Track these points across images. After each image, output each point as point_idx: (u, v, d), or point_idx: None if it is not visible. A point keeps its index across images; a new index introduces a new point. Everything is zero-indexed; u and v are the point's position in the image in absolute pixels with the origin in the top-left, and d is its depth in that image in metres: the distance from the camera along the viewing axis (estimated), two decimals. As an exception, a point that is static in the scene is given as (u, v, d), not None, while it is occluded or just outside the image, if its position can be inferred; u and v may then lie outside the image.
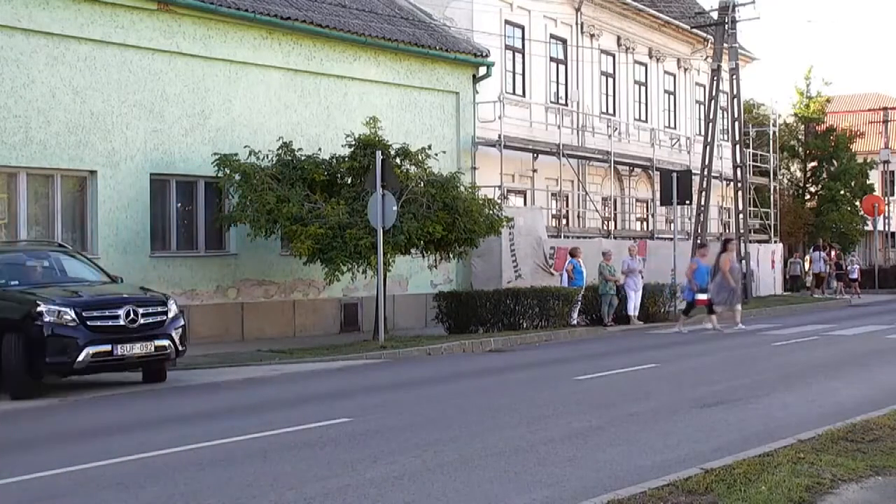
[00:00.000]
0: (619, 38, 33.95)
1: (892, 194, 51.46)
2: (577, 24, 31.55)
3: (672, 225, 33.52)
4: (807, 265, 40.87)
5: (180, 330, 13.61)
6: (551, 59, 30.59)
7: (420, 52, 23.57)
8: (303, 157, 18.97)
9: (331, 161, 19.27)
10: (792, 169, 48.00)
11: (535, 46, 29.44)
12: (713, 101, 30.91)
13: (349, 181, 19.22)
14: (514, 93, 28.75)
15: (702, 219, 30.30)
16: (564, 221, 30.77)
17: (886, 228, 49.17)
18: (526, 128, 28.43)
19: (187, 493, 7.26)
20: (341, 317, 22.26)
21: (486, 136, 25.93)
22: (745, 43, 40.92)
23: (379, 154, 17.88)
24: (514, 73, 28.99)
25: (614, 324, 22.98)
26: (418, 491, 7.17)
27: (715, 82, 30.68)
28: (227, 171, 18.55)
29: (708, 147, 30.73)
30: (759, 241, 36.67)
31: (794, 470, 7.19)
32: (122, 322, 12.86)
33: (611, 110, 33.65)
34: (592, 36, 32.28)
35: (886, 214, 47.20)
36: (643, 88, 35.71)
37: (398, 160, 19.37)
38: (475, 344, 18.80)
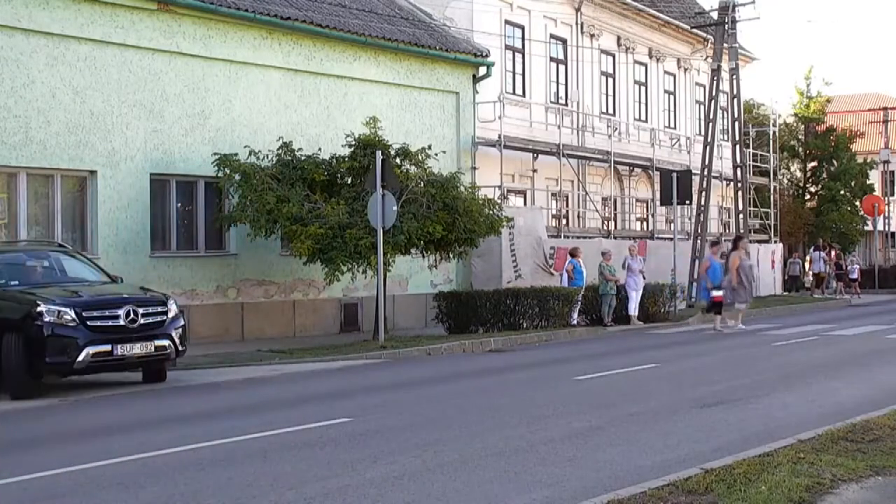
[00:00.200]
0: (619, 38, 33.95)
1: (892, 194, 51.45)
2: (577, 24, 31.55)
3: (672, 225, 33.53)
4: (807, 265, 40.87)
5: (180, 330, 13.61)
6: (551, 59, 30.59)
7: (420, 52, 23.57)
8: (303, 157, 18.97)
9: (331, 161, 19.27)
10: (792, 169, 48.00)
11: (535, 46, 29.44)
12: (713, 101, 30.91)
13: (349, 181, 19.22)
14: (514, 93, 28.74)
15: (702, 219, 30.31)
16: (564, 221, 30.77)
17: (886, 228, 49.17)
18: (526, 128, 28.43)
19: (187, 493, 7.26)
20: (341, 317, 22.26)
21: (486, 136, 25.93)
22: (745, 43, 40.94)
23: (379, 154, 17.88)
24: (514, 73, 28.99)
25: (614, 324, 22.98)
26: (418, 491, 7.17)
27: (715, 82, 30.68)
28: (227, 171, 18.56)
29: (708, 147, 30.73)
30: (759, 241, 36.65)
31: (794, 470, 7.19)
32: (122, 322, 12.86)
33: (611, 110, 33.65)
34: (592, 36, 32.28)
35: (886, 214, 47.20)
36: (643, 88, 35.71)
37: (398, 160, 19.37)
38: (475, 344, 18.80)
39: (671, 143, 36.21)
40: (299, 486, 7.33)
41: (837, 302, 34.67)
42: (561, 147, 28.47)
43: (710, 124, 31.01)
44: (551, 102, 30.28)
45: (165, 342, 13.27)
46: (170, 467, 8.16)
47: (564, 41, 31.21)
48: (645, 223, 35.54)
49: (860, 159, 46.33)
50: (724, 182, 36.47)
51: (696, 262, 29.97)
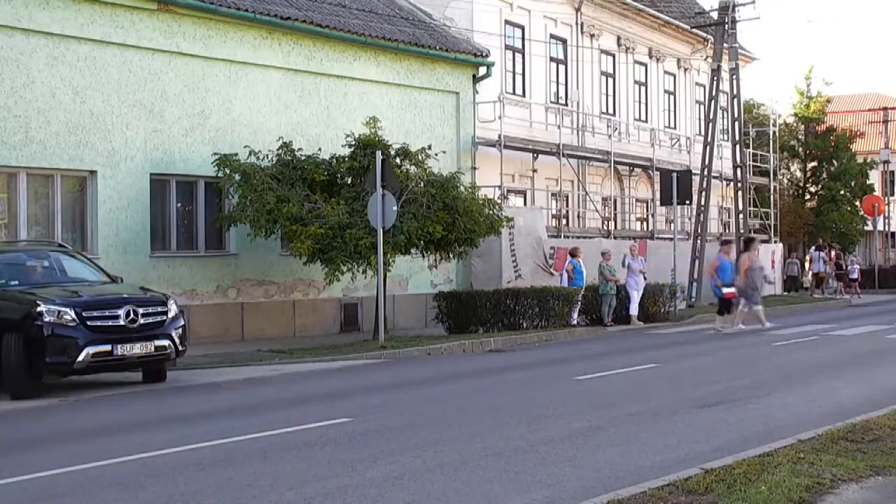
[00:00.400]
0: (619, 38, 33.95)
1: (892, 194, 51.45)
2: (577, 24, 31.55)
3: (672, 225, 33.54)
4: (806, 265, 40.86)
5: (180, 330, 13.61)
6: (551, 59, 30.59)
7: (420, 52, 23.57)
8: (303, 157, 18.97)
9: (331, 161, 19.27)
10: (792, 169, 48.01)
11: (535, 46, 29.44)
12: (713, 101, 30.92)
13: (349, 181, 19.22)
14: (514, 93, 28.75)
15: (702, 219, 30.31)
16: (564, 221, 30.77)
17: (886, 228, 49.17)
18: (526, 128, 28.43)
19: (187, 493, 7.26)
20: (341, 317, 22.26)
21: (486, 136, 25.93)
22: (745, 43, 40.93)
23: (379, 154, 17.87)
24: (514, 73, 28.99)
25: (614, 324, 22.98)
26: (418, 491, 7.17)
27: (715, 82, 30.68)
28: (227, 171, 18.56)
29: (708, 147, 30.74)
30: (759, 241, 36.61)
31: (794, 470, 7.19)
32: (122, 322, 12.86)
33: (611, 110, 33.65)
34: (592, 36, 32.28)
35: (886, 214, 47.21)
36: (643, 88, 35.71)
37: (398, 160, 19.37)
38: (475, 344, 18.80)
39: (671, 143, 36.21)
40: (299, 486, 7.33)
41: (837, 302, 34.67)
42: (561, 147, 28.47)
43: (710, 124, 31.01)
44: (551, 102, 30.28)
45: (165, 342, 13.27)
46: (170, 467, 8.16)
47: (564, 41, 31.21)
48: (645, 223, 35.54)
49: (860, 159, 46.34)
50: (724, 182, 36.47)
51: (697, 261, 30.02)
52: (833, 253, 39.53)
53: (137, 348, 13.01)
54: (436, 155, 19.80)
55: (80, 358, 12.55)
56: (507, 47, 28.59)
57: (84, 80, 17.75)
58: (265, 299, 20.63)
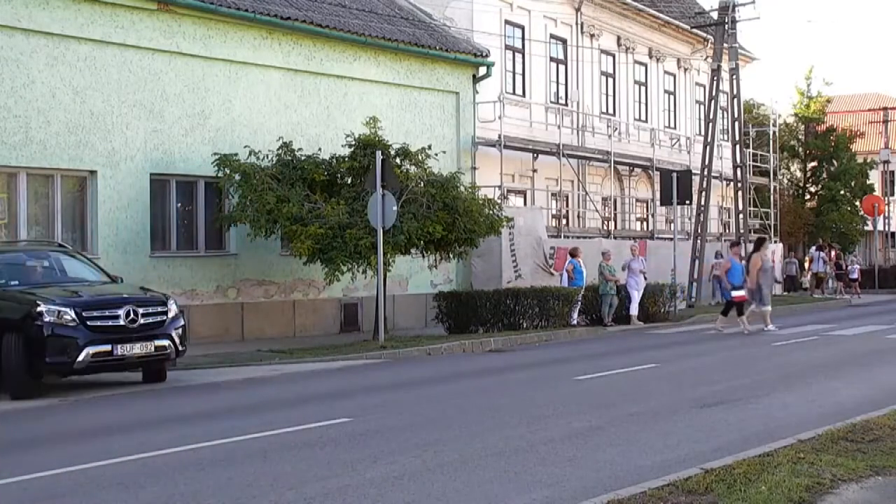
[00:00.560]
0: (619, 38, 33.95)
1: (892, 194, 51.45)
2: (577, 24, 31.55)
3: (672, 225, 33.54)
4: (806, 264, 40.86)
5: (180, 330, 13.60)
6: (551, 59, 30.59)
7: (420, 52, 23.57)
8: (303, 157, 18.97)
9: (331, 161, 19.27)
10: (792, 169, 48.02)
11: (535, 46, 29.44)
12: (713, 101, 30.92)
13: (349, 181, 19.21)
14: (514, 93, 28.75)
15: (702, 219, 30.31)
16: (564, 221, 30.77)
17: (886, 228, 49.18)
18: (526, 128, 28.43)
19: (187, 493, 7.26)
20: (341, 317, 22.26)
21: (486, 136, 25.93)
22: (745, 43, 40.93)
23: (379, 154, 17.87)
24: (514, 73, 28.99)
25: (614, 324, 22.97)
26: (418, 491, 7.17)
27: (715, 82, 30.69)
28: (227, 171, 18.56)
29: (708, 147, 30.74)
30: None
31: (794, 470, 7.19)
32: (122, 322, 12.86)
33: (611, 110, 33.65)
34: (592, 36, 32.28)
35: (886, 214, 47.21)
36: (643, 88, 35.71)
37: (398, 160, 19.37)
38: (475, 344, 18.80)
39: (671, 143, 36.21)
40: (299, 486, 7.33)
41: (837, 302, 34.67)
42: (561, 147, 28.46)
43: (710, 124, 31.02)
44: (551, 102, 30.28)
45: (165, 342, 13.27)
46: (170, 467, 8.16)
47: (564, 41, 31.21)
48: (645, 223, 35.54)
49: (860, 159, 46.36)
50: (724, 182, 36.47)
51: (697, 261, 30.03)
52: (833, 253, 39.54)
53: (137, 348, 13.00)
54: (436, 155, 19.80)
55: (80, 358, 12.55)
56: (507, 47, 28.59)
57: (84, 80, 17.75)
58: (265, 299, 20.63)
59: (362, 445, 8.90)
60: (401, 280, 22.94)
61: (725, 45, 31.00)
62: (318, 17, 21.55)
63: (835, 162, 45.37)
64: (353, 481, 7.48)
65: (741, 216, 31.97)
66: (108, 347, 12.73)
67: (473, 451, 8.54)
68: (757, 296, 21.53)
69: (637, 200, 35.09)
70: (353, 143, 19.06)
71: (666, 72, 37.07)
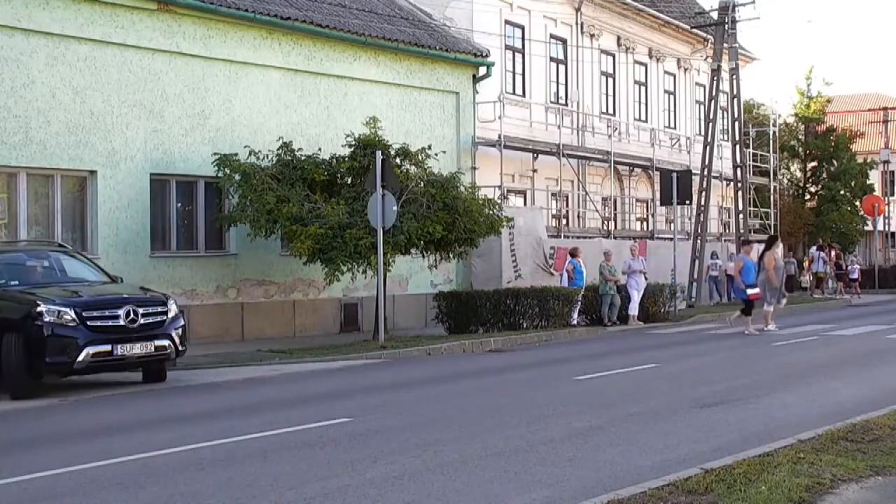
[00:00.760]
0: (619, 38, 33.95)
1: (892, 194, 51.46)
2: (577, 24, 31.55)
3: (672, 225, 33.54)
4: (805, 264, 40.85)
5: (180, 330, 13.60)
6: (551, 59, 30.59)
7: (420, 52, 23.57)
8: (303, 157, 18.97)
9: (331, 161, 19.27)
10: (792, 169, 48.01)
11: (535, 46, 29.44)
12: (713, 101, 30.92)
13: (349, 181, 19.22)
14: (514, 93, 28.74)
15: (702, 219, 30.32)
16: (564, 221, 30.77)
17: (886, 228, 49.18)
18: (526, 128, 28.43)
19: (187, 493, 7.26)
20: (341, 317, 22.26)
21: (486, 136, 25.93)
22: (745, 43, 40.95)
23: (379, 154, 17.87)
24: (514, 73, 28.99)
25: (614, 324, 22.97)
26: (418, 491, 7.17)
27: (715, 82, 30.69)
28: (227, 171, 18.56)
29: (708, 147, 30.75)
30: (760, 241, 36.59)
31: (794, 470, 7.18)
32: (122, 322, 12.86)
33: (611, 110, 33.65)
34: (592, 36, 32.28)
35: (886, 214, 47.21)
36: (643, 88, 35.71)
37: (398, 160, 19.37)
38: (475, 344, 18.80)
39: (671, 143, 36.21)
40: (299, 486, 7.33)
41: (837, 302, 34.66)
42: (561, 147, 28.47)
43: (710, 124, 31.02)
44: (551, 102, 30.28)
45: (165, 342, 13.27)
46: (170, 467, 8.16)
47: (564, 41, 31.21)
48: (645, 223, 35.54)
49: (860, 159, 46.35)
50: (724, 182, 36.47)
51: (697, 261, 30.05)
52: (833, 253, 39.54)
53: (137, 348, 13.00)
54: (436, 155, 19.80)
55: (80, 358, 12.55)
56: (507, 47, 28.59)
57: (84, 80, 17.75)
58: (265, 299, 20.63)
59: (362, 445, 8.90)
60: (401, 280, 22.94)
61: (725, 45, 31.01)
62: (318, 17, 21.56)
63: (835, 162, 45.37)
64: (353, 481, 7.47)
65: (741, 216, 31.98)
66: (108, 347, 12.73)
67: (473, 451, 8.54)
68: (772, 294, 21.39)
69: (637, 200, 35.09)
70: (353, 143, 19.06)
71: (666, 72, 37.07)
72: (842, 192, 45.15)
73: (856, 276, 38.42)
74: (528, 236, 25.01)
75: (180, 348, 13.58)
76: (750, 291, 21.38)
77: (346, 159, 19.04)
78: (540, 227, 25.97)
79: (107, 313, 12.86)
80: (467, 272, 24.53)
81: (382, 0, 24.98)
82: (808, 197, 46.62)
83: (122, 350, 12.85)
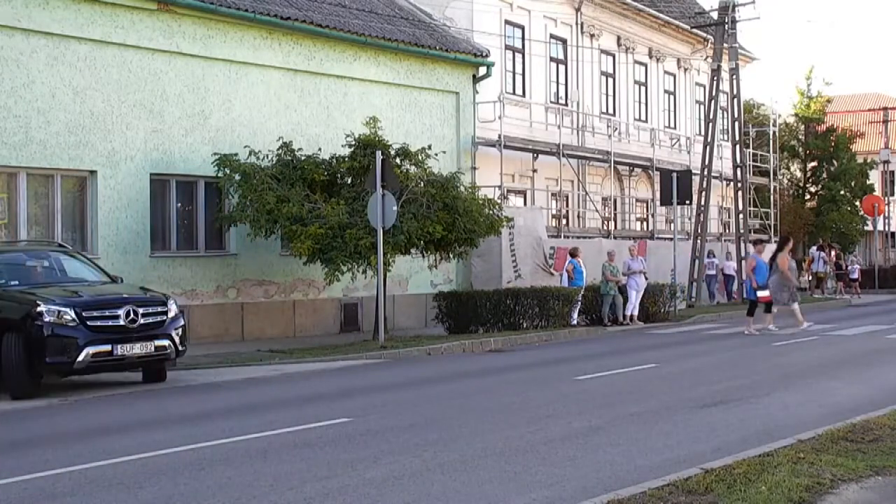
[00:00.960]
0: (619, 38, 33.95)
1: (892, 194, 51.48)
2: (577, 24, 31.55)
3: (672, 225, 33.54)
4: (805, 264, 40.86)
5: (180, 330, 13.60)
6: (551, 59, 30.59)
7: (420, 52, 23.57)
8: (303, 157, 18.97)
9: (331, 161, 19.28)
10: (792, 169, 48.03)
11: (535, 46, 29.44)
12: (713, 101, 30.93)
13: (349, 181, 19.22)
14: (514, 93, 28.74)
15: (702, 219, 30.32)
16: (564, 221, 30.77)
17: (886, 228, 49.18)
18: (526, 128, 28.43)
19: (187, 493, 7.26)
20: (341, 317, 22.26)
21: (486, 136, 25.93)
22: (745, 43, 40.92)
23: (379, 154, 17.87)
24: (514, 73, 28.99)
25: (615, 324, 22.97)
26: (418, 491, 7.17)
27: (715, 82, 30.70)
28: (227, 171, 18.56)
29: (708, 147, 30.76)
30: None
31: (794, 470, 7.18)
32: (122, 322, 12.86)
33: (611, 110, 33.65)
34: (592, 36, 32.28)
35: (886, 214, 47.22)
36: (643, 88, 35.71)
37: (398, 160, 19.37)
38: (475, 344, 18.80)
39: (671, 143, 36.21)
40: (299, 486, 7.33)
41: (837, 302, 34.66)
42: (561, 147, 28.47)
43: (710, 124, 31.03)
44: (551, 102, 30.28)
45: (165, 342, 13.27)
46: (170, 467, 8.16)
47: (564, 41, 31.21)
48: (645, 223, 35.55)
49: (860, 159, 46.38)
50: (724, 182, 36.47)
51: (697, 261, 30.05)
52: (833, 253, 39.54)
53: (137, 348, 13.00)
54: (436, 155, 19.80)
55: (80, 358, 12.54)
56: (507, 47, 28.59)
57: (84, 80, 17.75)
58: (265, 299, 20.63)
59: (362, 445, 8.90)
60: (401, 280, 22.94)
61: (725, 45, 31.02)
62: (318, 17, 21.56)
63: (835, 162, 45.38)
64: (353, 481, 7.47)
65: (741, 216, 31.97)
66: (108, 347, 12.73)
67: (473, 451, 8.54)
68: (790, 295, 21.22)
69: (637, 200, 35.09)
70: (353, 143, 19.06)
71: (666, 72, 37.07)
72: (842, 192, 45.17)
73: (856, 276, 38.43)
74: (528, 236, 25.01)
75: (180, 348, 13.58)
76: (760, 294, 21.20)
77: (346, 159, 19.04)
78: (540, 227, 25.97)
79: (107, 313, 12.86)
80: (467, 272, 24.53)
81: (382, 0, 24.98)
82: (808, 197, 46.64)
83: (122, 350, 12.84)
